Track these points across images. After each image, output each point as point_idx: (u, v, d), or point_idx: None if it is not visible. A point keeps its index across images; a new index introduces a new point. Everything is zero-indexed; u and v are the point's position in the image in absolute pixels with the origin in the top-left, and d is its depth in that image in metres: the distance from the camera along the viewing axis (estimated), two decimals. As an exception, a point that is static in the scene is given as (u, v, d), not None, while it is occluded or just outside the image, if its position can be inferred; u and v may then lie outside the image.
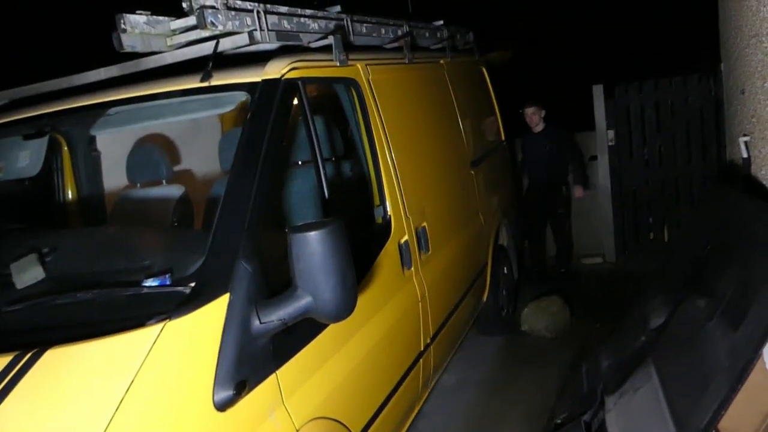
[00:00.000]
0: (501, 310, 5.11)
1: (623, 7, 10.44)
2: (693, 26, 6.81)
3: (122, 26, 2.39)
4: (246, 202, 2.07)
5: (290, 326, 2.02)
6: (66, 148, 3.76)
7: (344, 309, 2.02)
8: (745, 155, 3.70)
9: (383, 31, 3.65)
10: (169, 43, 2.63)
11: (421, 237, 3.29)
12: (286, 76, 2.45)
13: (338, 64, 2.81)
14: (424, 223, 3.36)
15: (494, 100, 5.53)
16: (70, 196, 3.81)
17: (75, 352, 1.69)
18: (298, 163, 2.84)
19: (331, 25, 3.06)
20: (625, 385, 3.24)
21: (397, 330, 2.95)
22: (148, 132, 3.73)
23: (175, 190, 3.57)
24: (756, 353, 2.29)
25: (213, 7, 2.35)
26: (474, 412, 4.22)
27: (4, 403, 1.60)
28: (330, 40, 2.82)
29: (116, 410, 1.57)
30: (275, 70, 2.46)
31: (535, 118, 6.41)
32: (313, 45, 2.85)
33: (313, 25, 2.94)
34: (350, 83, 2.95)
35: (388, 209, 3.01)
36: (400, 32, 3.83)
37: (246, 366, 1.91)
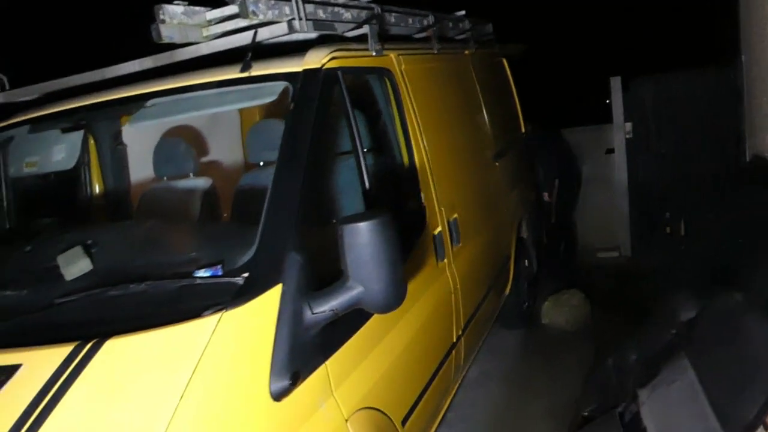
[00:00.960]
0: (522, 303, 5.10)
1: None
2: (711, 17, 6.76)
3: (161, 17, 2.37)
4: (294, 193, 2.06)
5: (337, 318, 2.01)
6: (92, 141, 3.75)
7: (395, 299, 2.01)
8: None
9: (410, 20, 3.63)
10: (204, 34, 2.61)
11: (452, 229, 3.27)
12: (326, 66, 2.44)
13: (374, 54, 2.79)
14: (455, 215, 3.34)
15: (514, 93, 5.50)
16: (96, 189, 3.80)
17: (135, 343, 1.68)
18: (340, 153, 2.82)
19: (363, 14, 3.04)
20: (658, 378, 3.23)
21: (433, 321, 2.94)
22: (177, 124, 3.71)
23: (202, 183, 3.57)
24: (804, 344, 2.27)
25: (254, -4, 2.33)
26: (498, 404, 4.22)
27: (68, 393, 1.59)
28: (365, 29, 2.79)
29: (180, 399, 1.56)
30: (315, 59, 2.44)
31: None
32: (351, 34, 2.82)
33: (346, 14, 2.92)
34: (384, 73, 2.93)
35: (423, 200, 2.99)
36: (426, 22, 3.81)
37: (299, 356, 1.90)
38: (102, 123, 3.50)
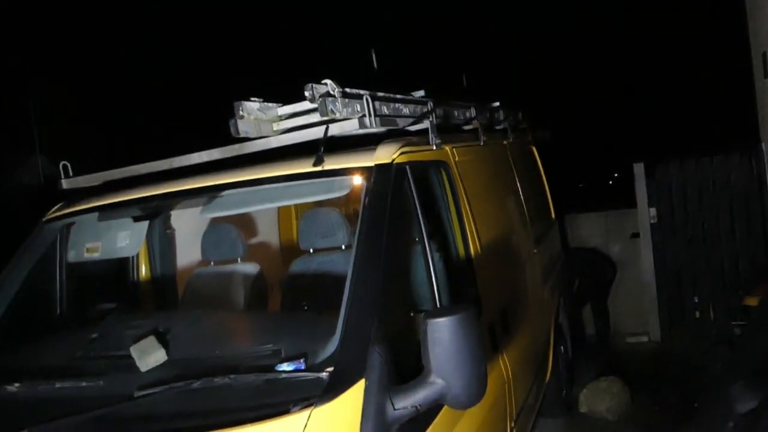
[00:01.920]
0: (561, 390, 5.00)
1: (661, 86, 10.73)
2: (732, 106, 6.98)
3: (240, 113, 2.47)
4: (375, 285, 2.08)
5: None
6: (143, 226, 3.81)
7: (477, 395, 1.99)
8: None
9: (456, 113, 3.76)
10: (275, 128, 2.71)
11: (505, 317, 3.26)
12: (396, 161, 2.51)
13: (434, 148, 2.88)
14: (507, 304, 3.34)
15: (545, 180, 5.61)
16: (143, 273, 3.83)
17: (228, 440, 1.66)
18: (407, 242, 2.86)
19: (418, 109, 3.16)
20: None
21: (493, 413, 2.89)
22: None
23: (250, 268, 3.60)
24: None
25: (330, 95, 2.44)
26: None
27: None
28: (425, 124, 2.89)
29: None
30: (386, 154, 2.52)
31: None
32: (413, 128, 2.93)
33: (405, 109, 3.04)
34: (443, 166, 3.01)
35: (479, 289, 3.00)
36: (468, 114, 3.94)
37: (382, 455, 1.86)
38: (176, 208, 3.57)
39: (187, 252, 3.91)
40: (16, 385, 2.19)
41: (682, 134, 8.52)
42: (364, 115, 2.55)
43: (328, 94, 2.41)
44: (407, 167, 2.55)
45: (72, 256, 3.11)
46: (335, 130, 2.58)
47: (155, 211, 2.88)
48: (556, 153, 6.88)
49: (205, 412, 1.82)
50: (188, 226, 3.87)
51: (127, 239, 2.85)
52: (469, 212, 3.13)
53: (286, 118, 2.72)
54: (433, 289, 2.48)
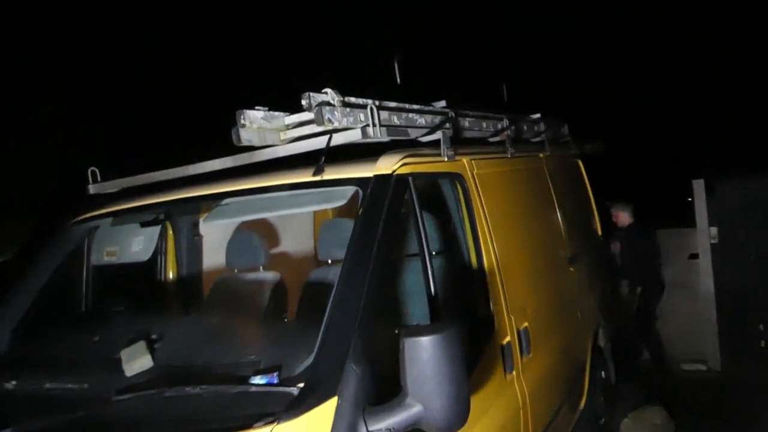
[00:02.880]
0: (598, 418, 4.74)
1: (724, 98, 10.18)
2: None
3: (242, 121, 2.47)
4: (358, 300, 2.02)
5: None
6: (171, 231, 3.89)
7: (457, 420, 1.89)
8: None
9: (484, 124, 3.65)
10: (282, 137, 2.70)
11: (522, 338, 3.12)
12: (397, 172, 2.45)
13: (446, 160, 2.79)
14: (526, 323, 3.19)
15: (591, 195, 5.38)
16: (171, 277, 3.91)
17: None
18: (407, 256, 2.79)
19: (437, 119, 3.08)
20: None
21: (500, 438, 2.75)
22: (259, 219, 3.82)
23: (270, 277, 3.60)
24: None
25: (330, 104, 2.40)
26: None
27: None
28: (438, 135, 2.81)
29: None
30: (387, 165, 2.46)
31: (620, 216, 6.48)
32: (425, 139, 2.85)
33: (420, 120, 2.96)
34: (456, 178, 2.92)
35: (492, 307, 2.88)
36: (500, 126, 3.82)
37: (351, 478, 1.79)
38: (182, 215, 3.63)
39: (215, 259, 3.96)
40: (13, 382, 2.25)
41: (746, 148, 8.00)
42: (368, 125, 2.49)
43: (326, 103, 2.37)
44: (410, 179, 2.47)
45: (94, 258, 3.21)
46: (339, 139, 2.54)
47: (160, 218, 2.91)
48: (609, 167, 6.62)
49: (172, 421, 1.81)
50: (216, 233, 3.93)
51: (140, 244, 2.90)
52: (485, 226, 3.01)
53: (294, 127, 2.70)
54: (433, 306, 2.40)
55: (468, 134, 3.43)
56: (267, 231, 4.31)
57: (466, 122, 3.43)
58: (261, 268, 3.58)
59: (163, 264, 3.86)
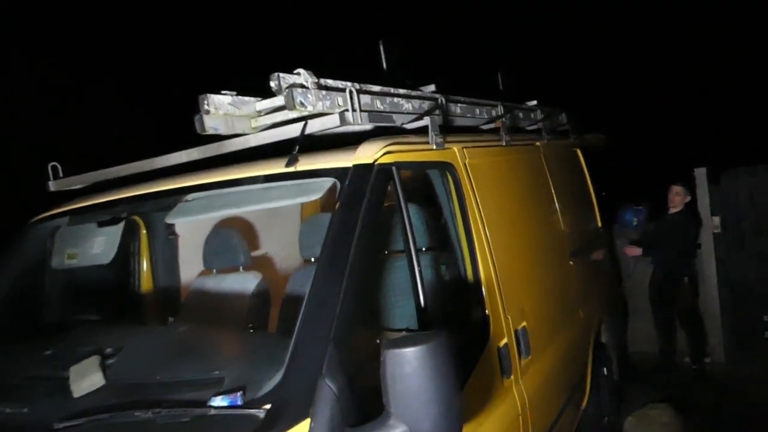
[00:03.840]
0: (602, 417, 4.51)
1: (728, 84, 9.94)
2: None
3: (205, 107, 2.22)
4: (333, 306, 1.77)
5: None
6: (144, 231, 3.64)
7: (447, 442, 1.64)
8: None
9: (477, 111, 3.41)
10: (253, 125, 2.45)
11: (521, 339, 2.88)
12: (379, 161, 2.20)
13: (434, 147, 2.54)
14: (524, 323, 2.96)
15: (590, 186, 5.14)
16: (145, 281, 3.66)
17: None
18: (391, 253, 2.54)
19: (425, 105, 2.84)
20: None
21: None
22: (228, 216, 3.56)
23: (251, 278, 3.35)
24: None
25: (303, 86, 2.15)
26: None
27: None
28: (426, 121, 2.57)
29: None
30: (368, 154, 2.21)
31: (676, 199, 5.92)
32: (410, 126, 2.60)
33: (407, 105, 2.72)
34: (446, 167, 2.67)
35: (487, 308, 2.64)
36: (494, 113, 3.58)
37: None
38: (153, 213, 3.38)
39: (193, 259, 3.71)
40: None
41: (752, 137, 7.77)
42: (347, 110, 2.24)
43: (299, 86, 2.12)
44: (393, 168, 2.22)
45: (56, 262, 2.95)
46: (315, 126, 2.30)
47: (123, 217, 2.66)
48: (611, 156, 6.39)
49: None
50: (194, 232, 3.68)
51: (102, 246, 2.65)
52: (479, 219, 2.77)
53: (267, 113, 2.44)
54: (421, 309, 2.15)
55: (460, 122, 3.19)
56: (249, 228, 4.06)
57: (457, 109, 3.19)
58: (241, 268, 3.33)
59: (136, 267, 3.61)
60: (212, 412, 1.63)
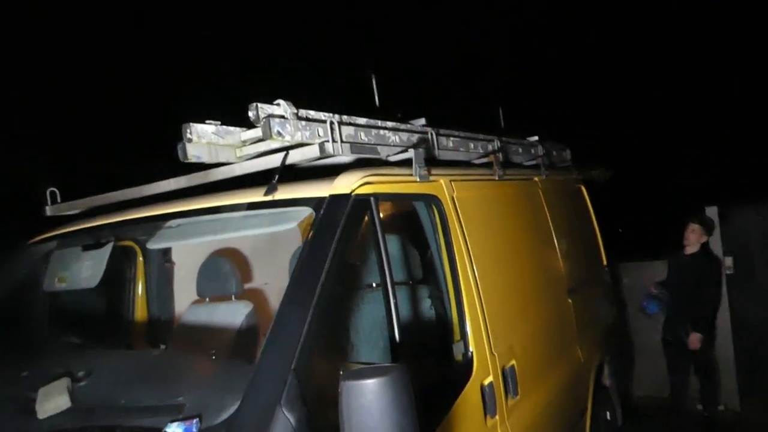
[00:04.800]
0: (603, 464, 4.38)
1: (738, 121, 9.84)
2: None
3: (188, 136, 2.26)
4: (296, 336, 1.76)
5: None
6: (141, 258, 3.68)
7: (405, 480, 1.60)
8: None
9: (472, 145, 3.41)
10: (238, 154, 2.48)
11: (508, 377, 2.82)
12: (356, 192, 2.20)
13: (418, 180, 2.54)
14: (513, 361, 2.90)
15: (594, 222, 5.08)
16: (139, 307, 3.68)
17: None
18: (367, 286, 2.52)
19: (414, 138, 2.85)
20: None
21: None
22: (221, 245, 3.59)
23: (242, 308, 3.35)
24: None
25: (282, 117, 2.18)
26: None
27: None
28: (410, 153, 2.57)
29: None
30: (345, 184, 2.22)
31: (691, 237, 5.59)
32: (393, 158, 2.61)
33: (394, 137, 2.73)
34: (431, 200, 2.66)
35: (470, 344, 2.60)
36: (490, 147, 3.58)
37: None
38: (147, 239, 3.41)
39: (187, 287, 3.73)
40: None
41: (762, 176, 7.64)
42: (327, 141, 2.26)
43: (276, 116, 2.15)
44: (371, 199, 2.23)
45: (47, 285, 2.99)
46: (296, 156, 2.32)
47: (107, 241, 2.69)
48: (618, 193, 6.32)
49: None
50: (189, 260, 3.71)
51: (89, 270, 2.68)
52: (466, 253, 2.75)
53: (252, 143, 2.47)
54: (395, 344, 2.12)
55: (452, 155, 3.18)
56: (246, 257, 4.07)
57: (449, 142, 3.19)
58: (233, 297, 3.34)
59: (130, 292, 3.64)
60: (165, 439, 1.61)
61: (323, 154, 2.25)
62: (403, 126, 2.85)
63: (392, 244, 2.62)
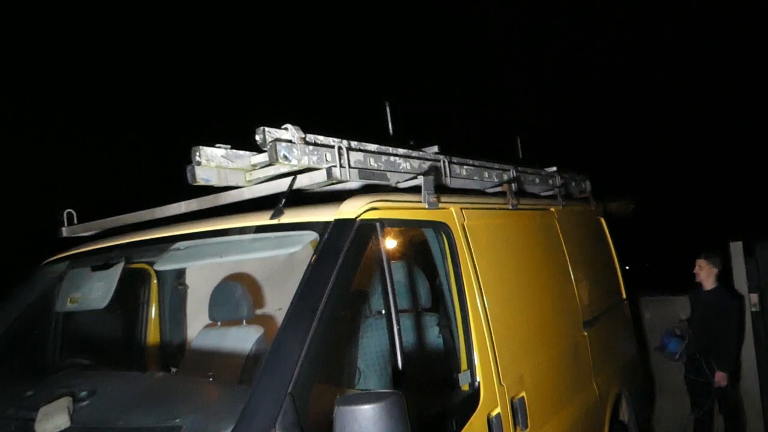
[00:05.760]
0: (621, 505, 4.24)
1: (762, 157, 9.69)
2: None
3: (197, 159, 2.29)
4: (294, 360, 1.75)
5: None
6: (155, 280, 3.71)
7: None
8: None
9: (486, 174, 3.40)
10: (248, 178, 2.50)
11: (517, 409, 2.76)
12: (362, 217, 2.20)
13: (427, 207, 2.53)
14: (523, 393, 2.84)
15: (614, 254, 5.00)
16: (152, 330, 3.70)
17: None
18: (376, 312, 2.50)
19: (425, 165, 2.85)
20: None
21: None
22: (234, 269, 3.60)
23: (252, 332, 3.34)
24: None
25: (289, 141, 2.20)
26: None
27: None
28: (419, 180, 2.57)
29: None
30: (351, 209, 2.22)
31: (700, 273, 5.42)
32: (402, 185, 2.61)
33: (405, 164, 2.74)
34: (440, 227, 2.65)
35: (477, 374, 2.55)
36: (506, 176, 3.56)
37: None
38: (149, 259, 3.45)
39: (201, 310, 3.75)
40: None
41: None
42: (335, 166, 2.28)
43: (283, 140, 2.17)
44: (377, 224, 2.22)
45: (59, 305, 3.03)
46: (305, 181, 2.33)
47: (114, 262, 2.71)
48: (641, 227, 6.23)
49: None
50: (202, 283, 3.73)
51: (99, 291, 2.70)
52: (475, 282, 2.72)
53: (262, 167, 2.50)
54: (398, 371, 2.10)
55: (464, 183, 3.18)
56: (259, 282, 4.08)
57: (463, 170, 3.19)
58: (244, 321, 3.33)
59: (144, 315, 3.66)
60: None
61: (330, 179, 2.26)
62: (414, 153, 2.86)
63: (399, 271, 2.61)
